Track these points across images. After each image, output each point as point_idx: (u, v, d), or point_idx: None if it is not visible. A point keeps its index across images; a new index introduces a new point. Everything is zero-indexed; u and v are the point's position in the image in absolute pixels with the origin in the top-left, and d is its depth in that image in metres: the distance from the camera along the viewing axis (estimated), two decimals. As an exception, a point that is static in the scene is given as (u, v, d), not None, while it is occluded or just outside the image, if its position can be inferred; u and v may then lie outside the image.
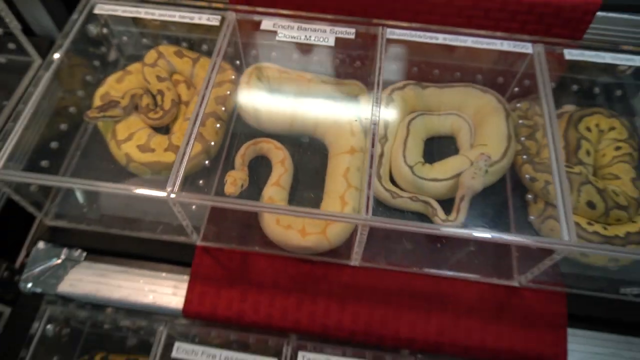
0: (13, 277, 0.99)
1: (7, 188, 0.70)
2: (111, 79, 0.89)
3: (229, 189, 0.71)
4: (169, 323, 0.86)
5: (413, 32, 0.81)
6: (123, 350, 0.97)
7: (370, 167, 0.68)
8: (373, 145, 0.70)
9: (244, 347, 0.84)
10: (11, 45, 0.97)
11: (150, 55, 0.90)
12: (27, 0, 0.96)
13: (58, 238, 0.84)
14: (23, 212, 0.98)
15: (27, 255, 1.02)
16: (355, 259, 0.77)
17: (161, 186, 0.65)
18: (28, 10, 1.00)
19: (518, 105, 0.86)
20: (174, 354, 0.81)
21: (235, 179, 0.73)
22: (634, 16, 0.79)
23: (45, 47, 1.05)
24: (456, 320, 0.75)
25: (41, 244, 0.85)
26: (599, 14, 0.78)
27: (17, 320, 0.94)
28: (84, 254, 0.84)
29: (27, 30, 1.02)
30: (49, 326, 0.89)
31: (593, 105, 0.87)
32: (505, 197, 0.82)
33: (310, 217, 0.65)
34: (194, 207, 0.77)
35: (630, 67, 0.84)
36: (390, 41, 0.81)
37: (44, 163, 0.79)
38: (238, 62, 0.92)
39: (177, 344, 0.83)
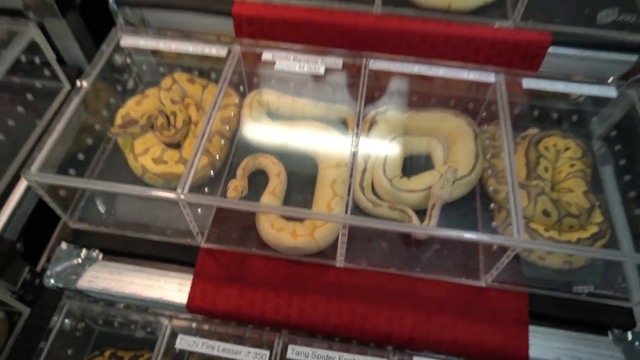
0: (34, 280, 1.10)
1: (41, 190, 0.82)
2: (131, 101, 1.02)
3: (230, 193, 0.82)
4: (174, 318, 0.96)
5: (392, 63, 0.94)
6: (130, 346, 1.07)
7: (351, 176, 0.79)
8: (354, 158, 0.82)
9: (240, 341, 0.93)
10: (46, 73, 1.11)
11: (166, 81, 1.04)
12: (62, 34, 1.11)
13: (78, 240, 0.95)
14: (45, 220, 1.10)
15: (48, 259, 1.13)
16: (340, 261, 0.87)
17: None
18: (62, 42, 1.14)
19: (486, 128, 0.98)
20: (177, 345, 0.91)
21: (237, 186, 0.84)
22: (582, 51, 0.92)
23: (73, 74, 1.19)
24: (429, 317, 0.84)
25: (64, 245, 0.96)
26: (551, 49, 0.91)
27: (37, 315, 1.05)
28: (101, 254, 0.95)
29: (58, 59, 1.17)
30: (66, 320, 0.99)
31: (554, 129, 0.99)
32: (474, 207, 0.92)
33: (299, 215, 0.75)
34: (199, 211, 0.88)
35: (581, 95, 0.95)
36: (372, 71, 0.94)
37: (72, 171, 0.91)
38: (242, 88, 1.05)
39: (180, 336, 0.92)
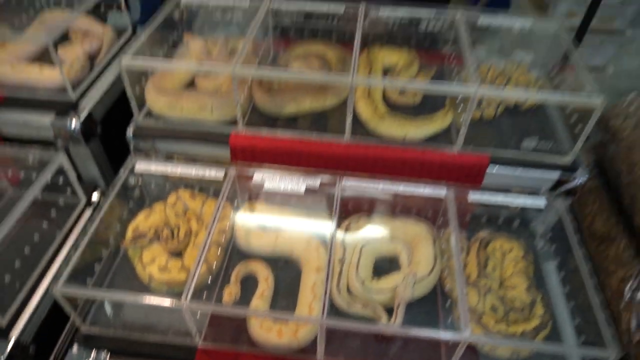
0: (42, 381, 1.18)
1: (64, 302, 0.96)
2: (141, 216, 1.19)
3: (225, 298, 0.97)
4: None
5: (361, 182, 1.13)
6: None
7: (327, 281, 0.94)
8: (330, 264, 0.98)
9: None
10: (68, 191, 1.29)
11: (171, 198, 1.22)
12: (84, 158, 1.32)
13: (88, 341, 1.06)
14: (55, 323, 1.21)
15: (54, 360, 1.23)
16: (320, 357, 0.99)
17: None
18: (82, 164, 1.34)
19: (443, 233, 1.15)
20: None
21: (231, 292, 0.99)
22: (515, 168, 1.12)
23: (89, 190, 1.37)
24: (401, 407, 0.95)
25: (75, 348, 1.07)
26: (490, 167, 1.11)
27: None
28: (109, 354, 1.06)
29: (77, 177, 1.35)
30: (73, 420, 1.07)
31: (502, 230, 1.16)
32: (436, 305, 1.07)
33: (283, 318, 0.89)
34: (198, 315, 1.02)
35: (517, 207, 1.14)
36: (345, 188, 1.13)
37: (89, 281, 1.05)
38: (236, 201, 1.24)
39: None
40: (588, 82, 1.06)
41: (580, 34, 2.24)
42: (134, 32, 1.59)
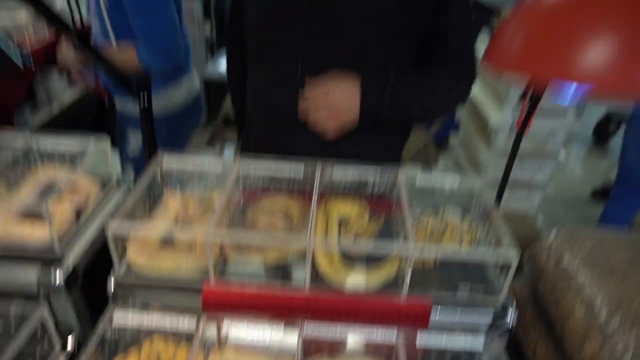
0: None
1: None
2: (115, 366, 1.27)
3: None
4: None
5: (321, 327, 1.26)
6: None
7: None
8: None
9: None
10: (45, 338, 1.36)
11: (146, 345, 1.31)
12: (64, 308, 1.41)
13: None
14: None
15: None
16: None
17: None
18: (62, 313, 1.43)
19: (396, 372, 1.26)
20: None
21: None
22: (456, 307, 1.28)
23: (65, 334, 1.44)
24: None
25: None
26: (434, 309, 1.27)
27: None
28: None
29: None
30: None
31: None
32: None
33: None
34: None
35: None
36: (307, 333, 1.25)
37: None
38: (207, 348, 1.33)
39: None
40: (506, 236, 1.28)
41: (512, 156, 2.57)
42: (119, 178, 1.77)
